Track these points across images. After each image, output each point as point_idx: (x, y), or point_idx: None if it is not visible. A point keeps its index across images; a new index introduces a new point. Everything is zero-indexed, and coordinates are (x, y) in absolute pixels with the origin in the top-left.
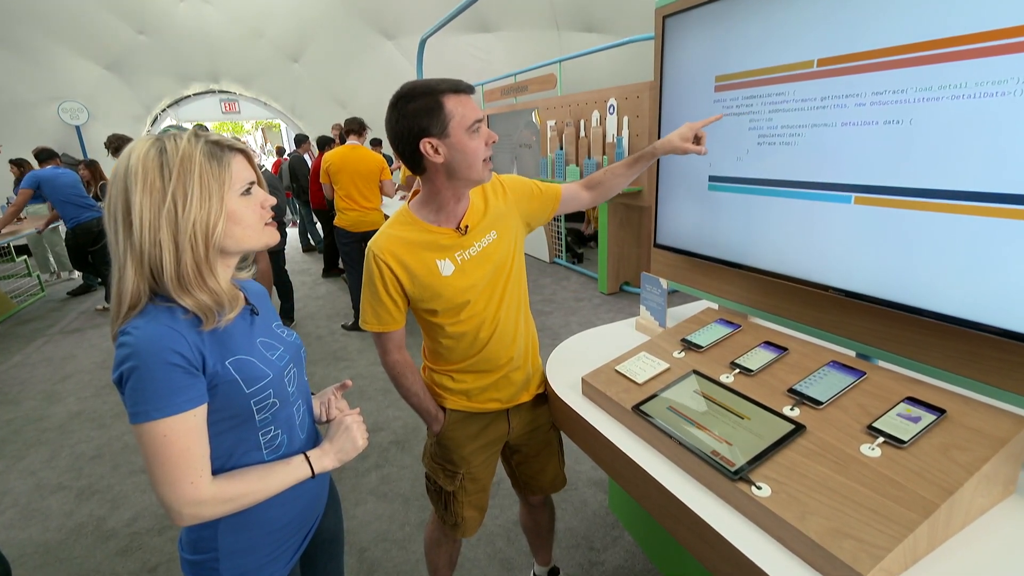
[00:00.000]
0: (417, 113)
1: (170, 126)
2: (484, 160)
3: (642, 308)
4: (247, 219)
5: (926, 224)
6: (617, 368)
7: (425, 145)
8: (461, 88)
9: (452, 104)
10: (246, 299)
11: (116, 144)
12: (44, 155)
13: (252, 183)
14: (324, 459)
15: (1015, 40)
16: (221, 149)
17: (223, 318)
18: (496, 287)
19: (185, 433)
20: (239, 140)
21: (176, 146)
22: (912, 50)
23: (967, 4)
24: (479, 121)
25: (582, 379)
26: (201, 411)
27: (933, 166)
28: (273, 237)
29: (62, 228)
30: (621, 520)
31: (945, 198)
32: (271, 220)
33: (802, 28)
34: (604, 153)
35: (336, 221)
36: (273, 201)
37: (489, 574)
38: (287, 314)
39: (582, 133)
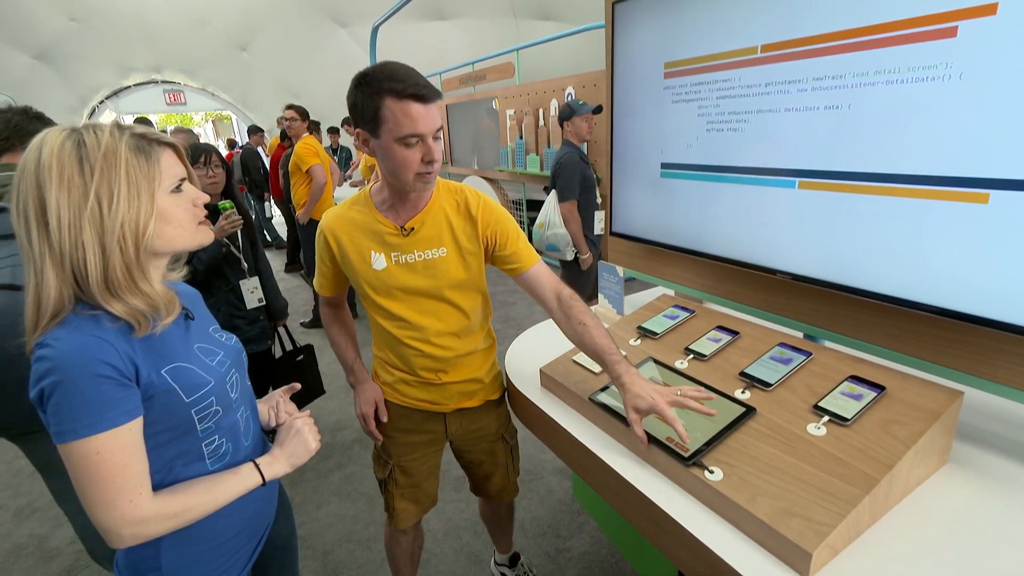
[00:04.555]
0: (357, 104)
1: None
2: (418, 174)
3: (600, 296)
4: (178, 218)
5: (865, 207)
6: (575, 358)
7: (358, 133)
8: (407, 94)
9: (391, 108)
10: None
11: None
12: None
13: (183, 179)
14: (275, 465)
15: (942, 26)
16: (148, 143)
17: (159, 324)
18: (427, 302)
19: (120, 449)
20: (189, 131)
21: (97, 139)
22: (848, 36)
23: None
24: (415, 136)
25: (540, 370)
26: (136, 424)
27: (870, 150)
28: (207, 237)
29: None
30: (585, 507)
31: (882, 181)
32: (205, 219)
33: (747, 14)
34: None
35: (314, 214)
36: (206, 199)
37: (456, 568)
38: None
39: (541, 122)
